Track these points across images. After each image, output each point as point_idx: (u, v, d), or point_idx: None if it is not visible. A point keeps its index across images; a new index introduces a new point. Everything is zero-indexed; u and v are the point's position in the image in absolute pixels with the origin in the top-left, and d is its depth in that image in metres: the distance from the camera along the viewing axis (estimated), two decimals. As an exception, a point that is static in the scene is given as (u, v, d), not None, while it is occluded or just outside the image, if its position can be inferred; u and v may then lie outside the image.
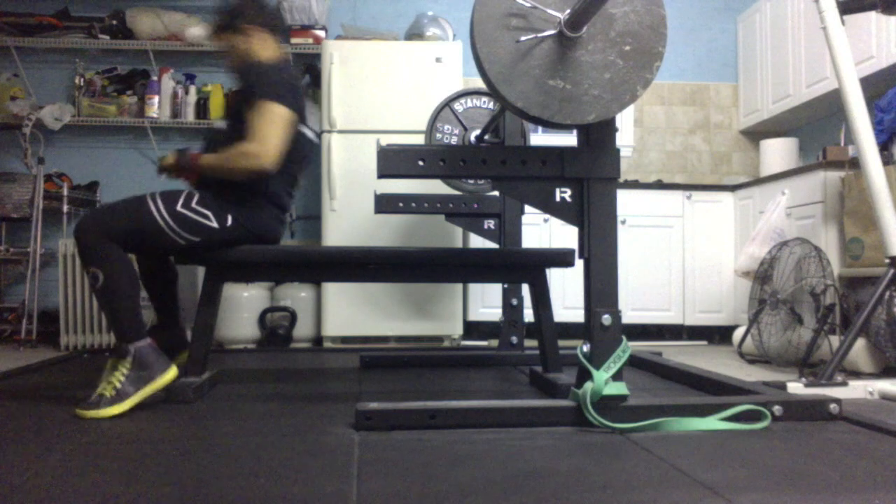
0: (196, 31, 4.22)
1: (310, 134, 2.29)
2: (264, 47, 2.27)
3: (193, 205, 2.05)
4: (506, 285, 2.90)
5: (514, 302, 2.90)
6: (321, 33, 4.22)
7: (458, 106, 2.99)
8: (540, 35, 1.57)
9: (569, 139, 4.54)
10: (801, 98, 3.88)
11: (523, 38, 1.57)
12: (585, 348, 1.64)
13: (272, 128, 2.06)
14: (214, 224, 2.06)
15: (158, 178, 2.19)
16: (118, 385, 1.83)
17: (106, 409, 1.78)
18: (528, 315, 2.87)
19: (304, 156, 2.29)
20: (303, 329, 3.76)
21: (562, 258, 2.25)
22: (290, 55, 2.29)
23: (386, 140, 1.88)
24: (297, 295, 3.78)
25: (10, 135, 4.21)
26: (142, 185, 4.36)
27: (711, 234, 4.05)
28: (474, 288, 3.96)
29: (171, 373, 1.93)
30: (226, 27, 2.26)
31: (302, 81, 2.22)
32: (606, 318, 1.63)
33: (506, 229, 2.94)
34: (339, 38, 4.01)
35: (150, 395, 1.88)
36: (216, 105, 4.22)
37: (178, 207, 2.03)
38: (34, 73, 4.33)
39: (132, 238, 1.97)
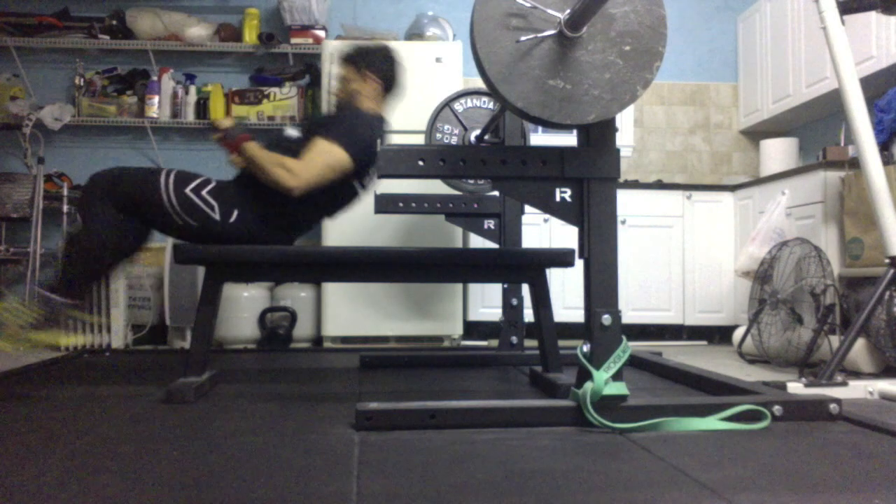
0: (196, 31, 4.22)
1: (360, 189, 2.31)
2: (370, 98, 2.32)
3: (203, 192, 2.09)
4: (506, 285, 2.90)
5: (514, 302, 2.90)
6: (321, 33, 4.23)
7: (458, 106, 2.99)
8: (540, 35, 1.57)
9: (569, 139, 4.54)
10: (801, 98, 3.88)
11: (523, 38, 1.57)
12: (585, 348, 1.64)
13: (321, 162, 2.10)
14: (216, 216, 2.09)
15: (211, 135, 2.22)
16: (21, 322, 1.88)
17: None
18: (528, 315, 2.87)
19: (341, 203, 2.33)
20: (303, 329, 3.76)
21: (562, 258, 2.25)
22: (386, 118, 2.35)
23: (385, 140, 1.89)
24: (297, 295, 3.78)
25: (10, 135, 4.21)
26: (142, 185, 4.37)
27: (711, 234, 4.05)
28: (474, 288, 3.96)
29: (62, 340, 2.02)
30: (352, 63, 2.33)
31: (383, 140, 2.26)
32: (606, 318, 1.63)
33: (506, 229, 2.94)
34: (339, 38, 4.02)
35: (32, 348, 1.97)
36: (216, 105, 4.22)
37: (187, 190, 2.07)
38: (34, 73, 4.33)
39: (133, 204, 2.03)
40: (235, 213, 2.10)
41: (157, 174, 2.07)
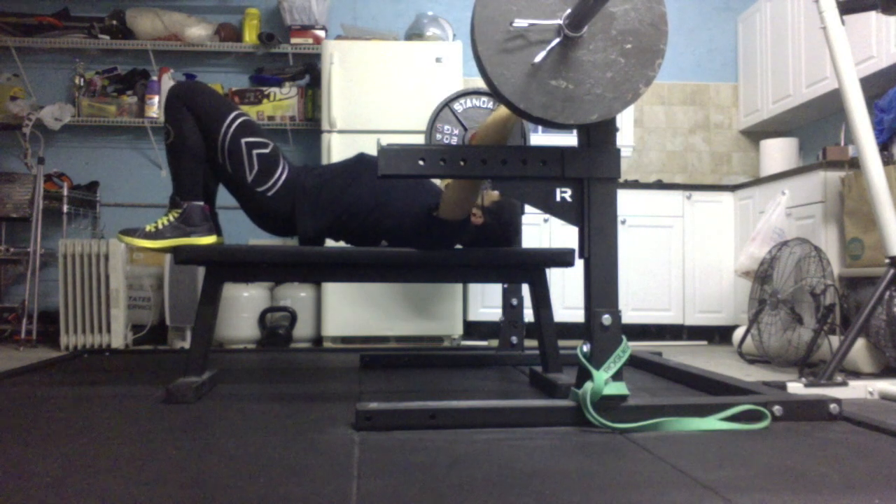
0: (196, 31, 4.21)
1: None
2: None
3: (254, 151, 2.15)
4: (506, 285, 2.89)
5: (514, 302, 2.90)
6: (321, 33, 4.23)
7: (458, 106, 2.99)
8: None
9: (569, 139, 4.54)
10: (801, 98, 3.88)
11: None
12: (585, 348, 1.64)
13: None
14: (248, 178, 2.15)
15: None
16: (160, 227, 2.08)
17: (140, 240, 2.05)
18: (528, 315, 2.87)
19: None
20: (303, 329, 3.75)
21: (562, 258, 2.25)
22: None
23: (386, 140, 1.88)
24: (297, 295, 3.78)
25: (10, 135, 4.21)
26: (142, 185, 4.37)
27: (711, 234, 4.05)
28: (474, 288, 3.96)
29: (210, 239, 2.12)
30: None
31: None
32: (606, 318, 1.63)
33: (506, 229, 2.93)
34: (339, 38, 4.01)
35: (180, 245, 2.06)
36: (216, 105, 4.22)
37: (243, 139, 2.14)
38: (34, 73, 4.33)
39: (198, 121, 2.12)
40: (280, 184, 2.16)
41: (228, 111, 2.15)
